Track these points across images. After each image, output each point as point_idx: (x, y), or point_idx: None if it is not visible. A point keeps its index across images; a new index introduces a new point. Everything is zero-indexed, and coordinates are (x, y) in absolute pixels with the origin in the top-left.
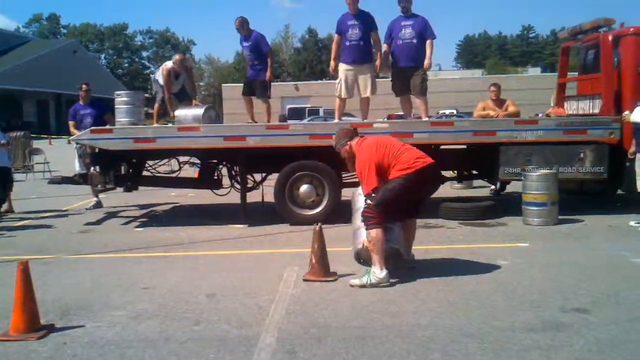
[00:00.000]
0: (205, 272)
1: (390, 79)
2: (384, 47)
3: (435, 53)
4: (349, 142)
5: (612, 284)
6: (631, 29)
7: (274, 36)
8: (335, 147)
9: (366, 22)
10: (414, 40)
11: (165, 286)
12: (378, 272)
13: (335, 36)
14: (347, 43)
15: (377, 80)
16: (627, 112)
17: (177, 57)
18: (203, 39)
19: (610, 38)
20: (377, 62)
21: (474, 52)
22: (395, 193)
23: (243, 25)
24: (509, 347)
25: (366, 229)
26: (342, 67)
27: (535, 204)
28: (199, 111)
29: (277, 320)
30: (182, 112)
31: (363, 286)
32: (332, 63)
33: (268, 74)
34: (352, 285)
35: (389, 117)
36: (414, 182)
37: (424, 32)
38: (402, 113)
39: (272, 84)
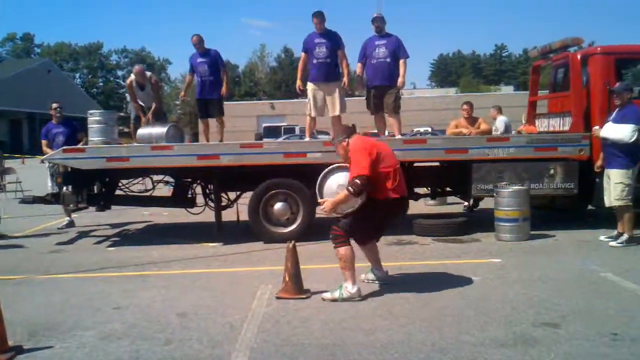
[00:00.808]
0: (177, 291)
1: (365, 97)
2: (358, 65)
3: (409, 71)
4: (346, 139)
5: (583, 298)
6: (599, 48)
7: (250, 55)
8: (333, 142)
9: (333, 40)
10: (388, 59)
11: (137, 306)
12: (350, 287)
13: (302, 55)
14: (315, 61)
15: (352, 98)
16: (596, 127)
17: (136, 67)
18: (179, 58)
19: (579, 57)
20: (345, 80)
21: (448, 71)
22: (365, 224)
23: (201, 43)
24: None
25: (334, 247)
26: (311, 86)
27: (508, 220)
28: (162, 130)
29: (249, 339)
30: (145, 131)
31: (334, 300)
32: (298, 82)
33: (224, 89)
34: (324, 299)
35: (363, 135)
36: (383, 213)
37: (398, 52)
38: (376, 131)
39: (249, 102)
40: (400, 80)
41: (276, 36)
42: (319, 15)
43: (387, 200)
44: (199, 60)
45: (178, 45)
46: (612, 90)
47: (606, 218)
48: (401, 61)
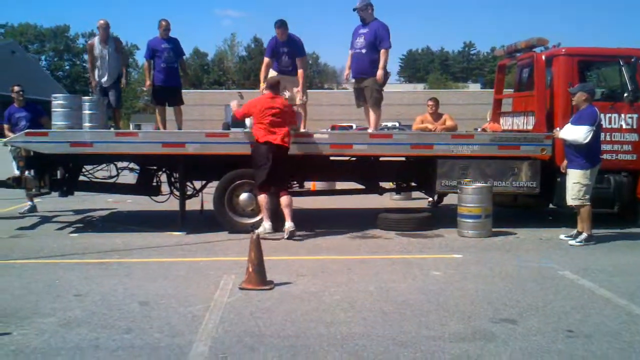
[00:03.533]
0: (140, 279)
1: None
2: (349, 53)
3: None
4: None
5: (540, 295)
6: (563, 50)
7: (220, 44)
8: None
9: (295, 48)
10: (364, 50)
11: (98, 293)
12: (266, 225)
13: (266, 59)
14: (278, 68)
15: (321, 90)
16: (557, 129)
17: (100, 21)
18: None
19: (543, 57)
20: (299, 89)
21: (417, 67)
22: (254, 162)
23: (169, 28)
24: (439, 356)
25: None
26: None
27: (470, 216)
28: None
29: (211, 329)
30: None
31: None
32: (261, 85)
33: (187, 78)
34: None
35: (333, 127)
36: (260, 151)
37: (376, 42)
38: (345, 124)
39: (217, 91)
40: (378, 72)
41: (247, 25)
42: (282, 26)
43: (259, 142)
44: (164, 45)
45: (146, 31)
46: (569, 91)
47: (567, 217)
48: (381, 52)
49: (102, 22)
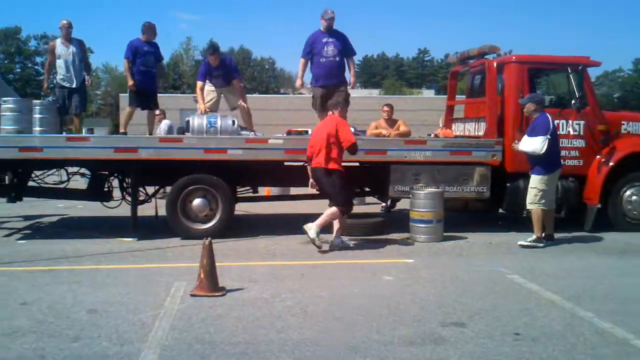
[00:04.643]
0: (89, 287)
1: (311, 95)
2: (302, 62)
3: None
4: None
5: (489, 299)
6: (514, 57)
7: (177, 47)
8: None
9: (228, 72)
10: (337, 58)
11: (46, 302)
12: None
13: (199, 83)
14: (213, 86)
15: (278, 95)
16: (516, 142)
17: (63, 21)
18: (100, 47)
19: (495, 65)
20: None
21: (372, 72)
22: None
23: (156, 32)
24: None
25: None
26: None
27: (422, 221)
28: None
29: (161, 337)
30: None
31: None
32: (201, 107)
33: (165, 79)
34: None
35: (288, 132)
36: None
37: (346, 50)
38: (301, 129)
39: (172, 95)
40: (352, 80)
41: (203, 29)
42: (215, 52)
43: None
44: (146, 49)
45: (100, 34)
46: (519, 103)
47: (516, 221)
48: (351, 59)
49: (64, 22)
